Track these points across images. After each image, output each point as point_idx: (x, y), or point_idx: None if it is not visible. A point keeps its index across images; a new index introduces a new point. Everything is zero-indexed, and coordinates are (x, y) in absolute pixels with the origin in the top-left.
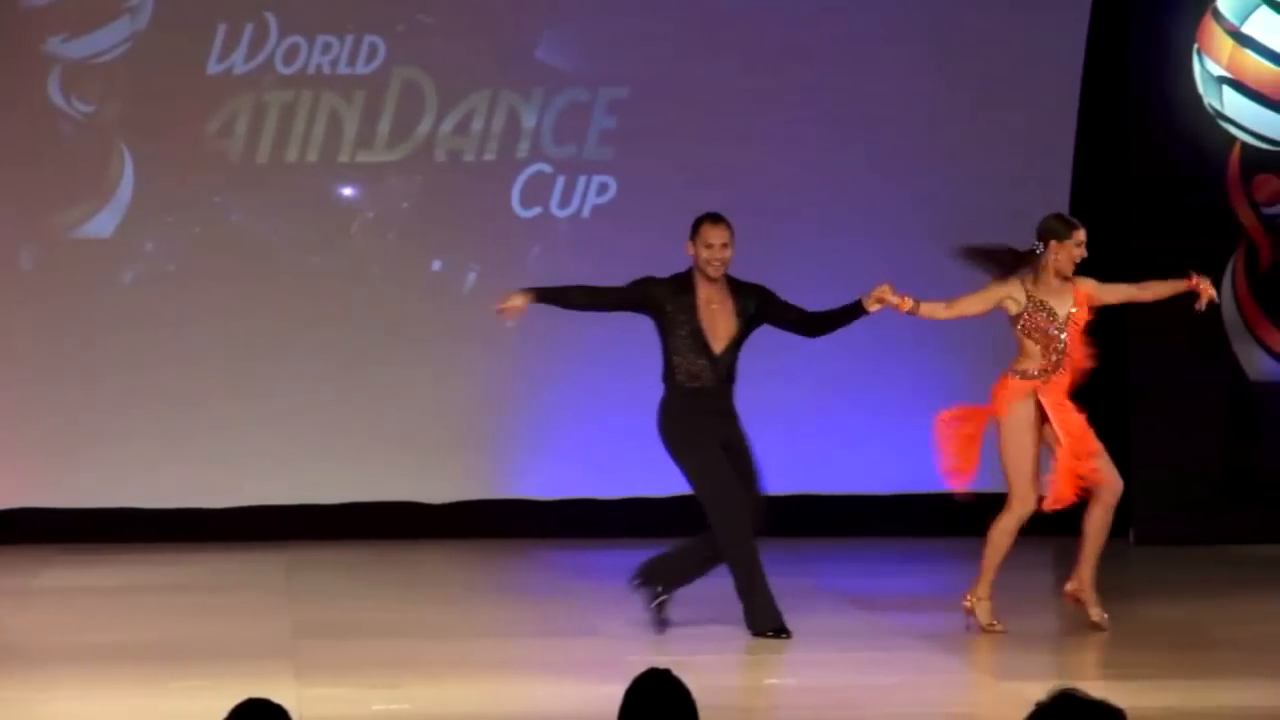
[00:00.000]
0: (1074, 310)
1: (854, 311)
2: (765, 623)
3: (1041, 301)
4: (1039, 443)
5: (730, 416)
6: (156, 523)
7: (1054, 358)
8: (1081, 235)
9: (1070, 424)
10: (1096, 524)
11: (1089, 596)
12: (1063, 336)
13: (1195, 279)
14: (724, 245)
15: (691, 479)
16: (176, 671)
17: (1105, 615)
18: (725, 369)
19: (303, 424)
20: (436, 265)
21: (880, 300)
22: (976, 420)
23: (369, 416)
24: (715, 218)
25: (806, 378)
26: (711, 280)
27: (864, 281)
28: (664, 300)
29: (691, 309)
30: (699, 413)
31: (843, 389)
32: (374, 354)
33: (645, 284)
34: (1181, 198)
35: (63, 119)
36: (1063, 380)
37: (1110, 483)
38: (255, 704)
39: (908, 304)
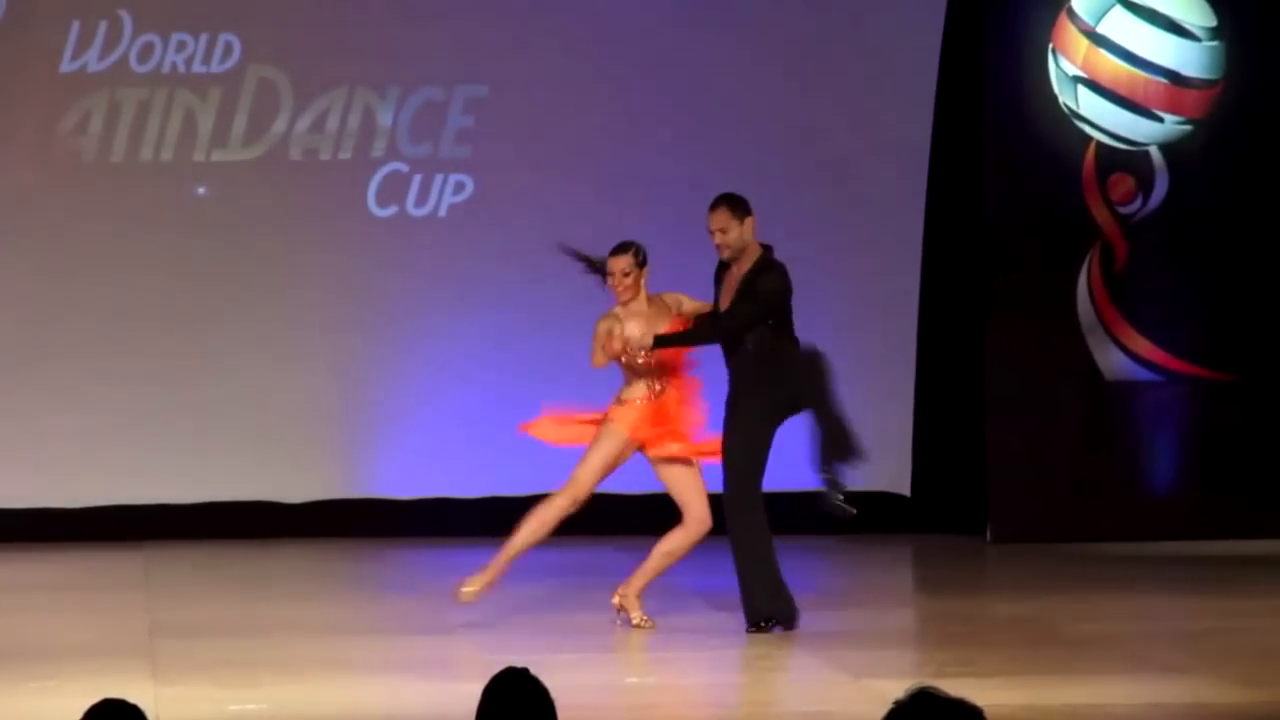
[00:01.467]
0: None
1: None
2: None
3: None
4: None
5: None
6: (11, 522)
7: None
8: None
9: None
10: (673, 546)
11: (633, 604)
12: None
13: None
14: (721, 230)
15: (754, 451)
16: (31, 671)
17: (648, 618)
18: None
19: (158, 424)
20: (292, 264)
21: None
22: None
23: (225, 416)
24: (713, 204)
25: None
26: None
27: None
28: None
29: None
30: None
31: None
32: (229, 354)
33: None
34: (1037, 197)
35: None
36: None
37: (699, 515)
38: (111, 704)
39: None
